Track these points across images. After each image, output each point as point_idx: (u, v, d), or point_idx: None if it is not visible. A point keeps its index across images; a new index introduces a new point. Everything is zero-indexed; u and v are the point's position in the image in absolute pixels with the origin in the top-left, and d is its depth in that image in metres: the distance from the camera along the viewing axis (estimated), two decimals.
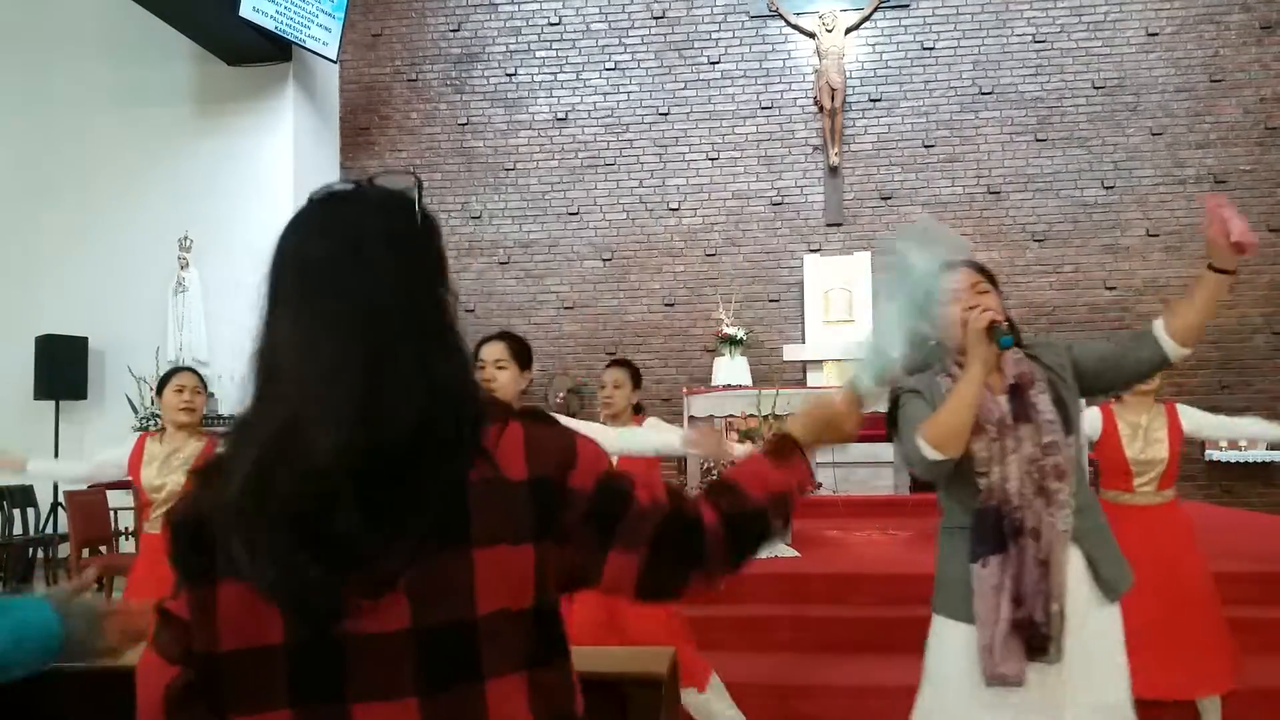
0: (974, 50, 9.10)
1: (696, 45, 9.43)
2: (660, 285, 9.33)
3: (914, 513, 6.86)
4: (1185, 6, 8.86)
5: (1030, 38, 9.03)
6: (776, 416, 5.51)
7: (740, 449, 3.44)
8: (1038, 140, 8.97)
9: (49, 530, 8.01)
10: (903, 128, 9.14)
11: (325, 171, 9.28)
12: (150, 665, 0.92)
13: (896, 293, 1.23)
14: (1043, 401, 2.03)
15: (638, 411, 3.66)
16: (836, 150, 9.10)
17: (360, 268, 0.88)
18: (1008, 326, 2.04)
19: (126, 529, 7.77)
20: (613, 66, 9.50)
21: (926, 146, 9.10)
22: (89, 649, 1.26)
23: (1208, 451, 8.04)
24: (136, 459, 3.65)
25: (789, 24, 9.28)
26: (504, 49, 9.63)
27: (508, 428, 0.90)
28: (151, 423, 7.62)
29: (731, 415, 6.03)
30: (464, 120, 9.62)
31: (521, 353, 2.77)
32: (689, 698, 3.29)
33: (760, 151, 9.31)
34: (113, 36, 8.77)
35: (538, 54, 9.59)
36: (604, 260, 9.39)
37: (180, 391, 3.64)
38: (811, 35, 9.18)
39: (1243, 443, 8.11)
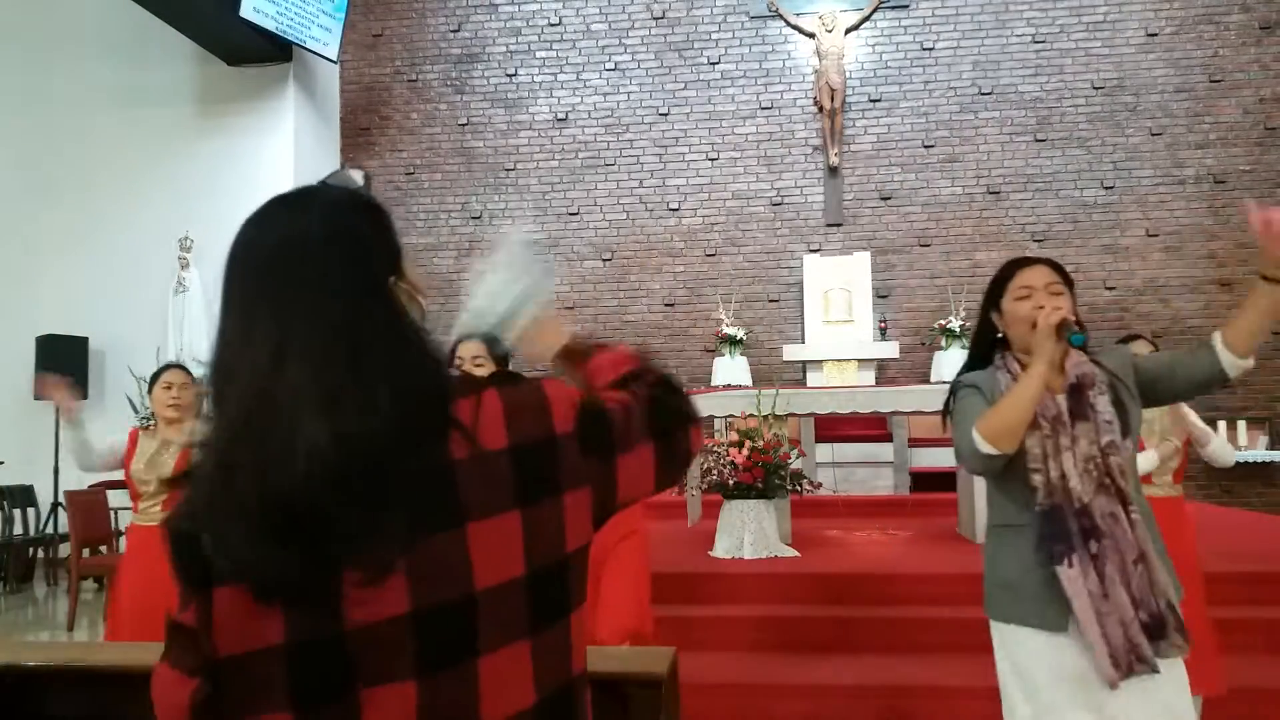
0: (973, 51, 9.11)
1: (696, 46, 9.44)
2: (660, 285, 9.34)
3: (914, 513, 6.86)
4: (1184, 7, 8.86)
5: (1030, 38, 9.04)
6: (776, 416, 5.50)
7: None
8: (1037, 140, 8.98)
9: (49, 530, 8.01)
10: (902, 128, 9.15)
11: (325, 172, 9.25)
12: (167, 680, 0.90)
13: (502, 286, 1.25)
14: (1101, 402, 2.01)
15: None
16: (836, 150, 9.10)
17: (305, 266, 0.89)
18: (1078, 327, 2.02)
19: (126, 529, 7.78)
20: (613, 67, 9.51)
21: (926, 147, 9.10)
22: None
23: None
24: (129, 452, 3.74)
25: (789, 24, 9.28)
26: (504, 49, 9.63)
27: (484, 399, 0.91)
28: (152, 422, 7.62)
29: (731, 415, 6.02)
30: (464, 120, 9.63)
31: (498, 353, 2.76)
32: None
33: (760, 152, 9.32)
34: (113, 36, 8.78)
35: (538, 54, 9.60)
36: (604, 260, 9.40)
37: (169, 388, 3.73)
38: (811, 35, 9.19)
39: (1242, 442, 8.12)
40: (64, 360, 8.26)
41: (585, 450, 0.94)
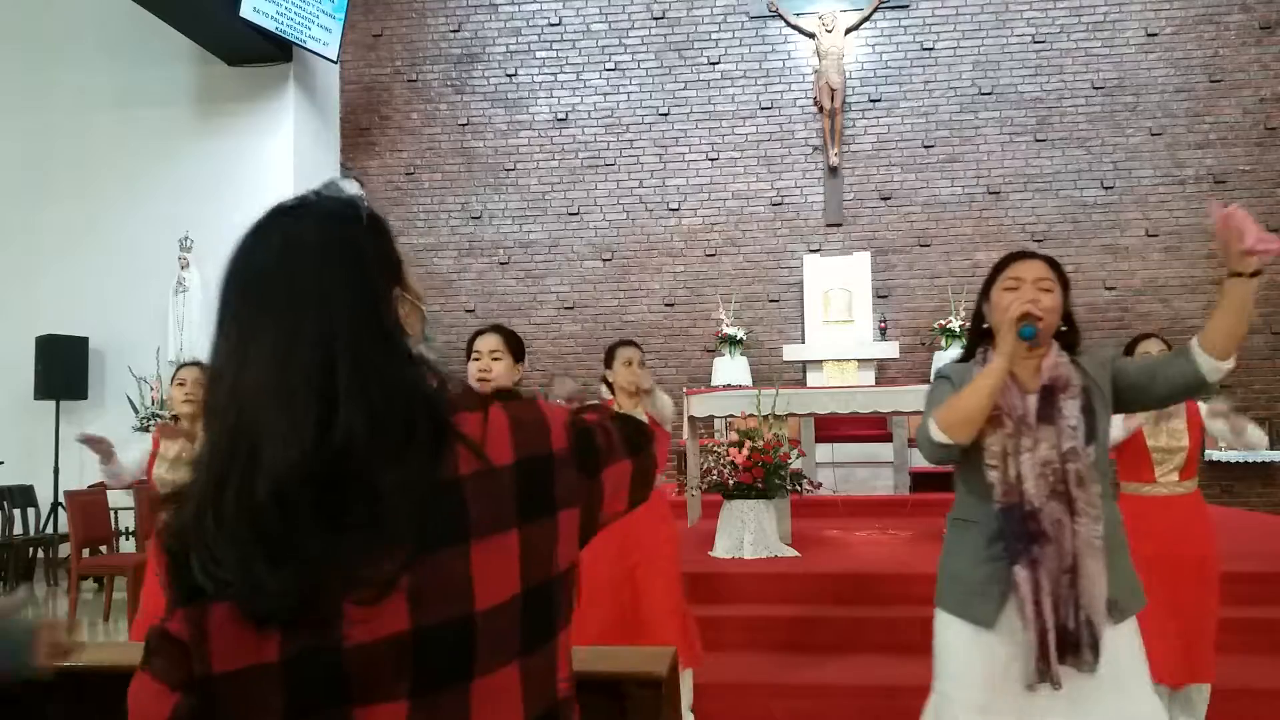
0: (973, 51, 9.11)
1: (696, 46, 9.44)
2: (660, 285, 9.34)
3: (914, 513, 6.86)
4: (1184, 7, 8.86)
5: (1030, 38, 9.04)
6: (776, 417, 5.51)
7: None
8: (1037, 140, 8.98)
9: (49, 530, 8.01)
10: (902, 128, 9.15)
11: (326, 172, 9.28)
12: (148, 692, 0.88)
13: None
14: (1070, 407, 1.99)
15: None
16: (836, 150, 9.10)
17: (302, 278, 0.88)
18: (1066, 329, 2.01)
19: (126, 529, 7.78)
20: (613, 67, 9.51)
21: (926, 147, 9.10)
22: (20, 670, 1.28)
23: (1207, 451, 8.05)
24: (152, 457, 3.74)
25: (789, 24, 9.28)
26: (504, 49, 9.63)
27: (490, 413, 0.91)
28: (151, 422, 7.62)
29: (731, 415, 6.03)
30: (464, 120, 9.63)
31: (516, 345, 2.83)
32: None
33: (760, 152, 9.32)
34: (113, 37, 8.78)
35: (538, 54, 9.60)
36: (604, 260, 9.40)
37: (182, 385, 3.72)
38: (811, 36, 9.19)
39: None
40: (64, 360, 8.27)
41: (579, 468, 0.95)
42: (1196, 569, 3.31)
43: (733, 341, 8.80)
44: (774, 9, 9.29)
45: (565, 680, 0.94)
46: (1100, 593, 1.92)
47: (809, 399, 6.15)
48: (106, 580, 6.65)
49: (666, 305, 9.31)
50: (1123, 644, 1.98)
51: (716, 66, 9.41)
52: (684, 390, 6.51)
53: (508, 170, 9.55)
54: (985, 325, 2.15)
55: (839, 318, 8.77)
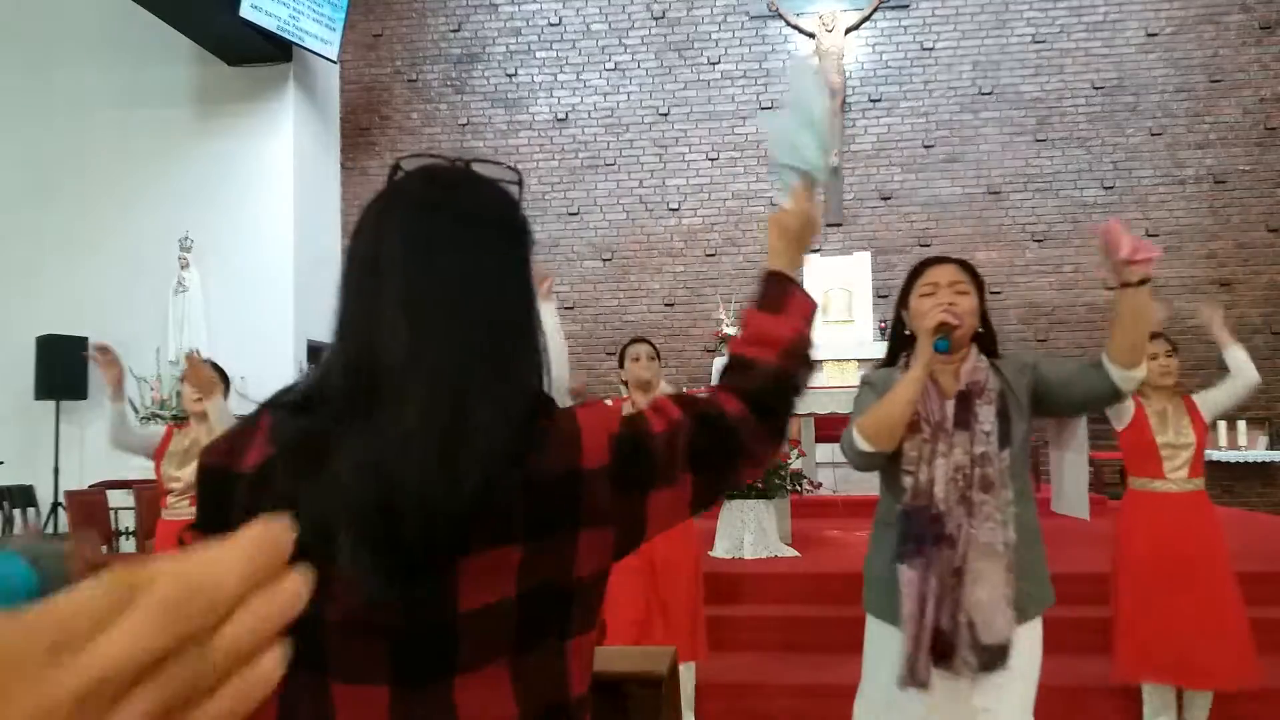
0: (974, 51, 9.11)
1: (696, 45, 9.44)
2: (660, 285, 9.34)
3: None
4: (1184, 7, 8.86)
5: (1030, 38, 9.04)
6: None
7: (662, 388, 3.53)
8: (1037, 140, 8.98)
9: (49, 530, 8.00)
10: (902, 128, 9.15)
11: (325, 172, 9.29)
12: None
13: (797, 109, 1.26)
14: (985, 412, 2.00)
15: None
16: (836, 150, 9.10)
17: (486, 251, 0.87)
18: (983, 331, 2.02)
19: (127, 529, 7.77)
20: (613, 67, 9.51)
21: (926, 147, 9.10)
22: (56, 586, 1.33)
23: (1207, 451, 8.04)
24: (161, 450, 3.75)
25: (789, 24, 9.28)
26: (504, 49, 9.63)
27: None
28: (151, 423, 7.62)
29: None
30: (464, 121, 9.63)
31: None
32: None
33: (760, 152, 9.31)
34: (113, 37, 8.78)
35: (538, 54, 9.60)
36: (604, 260, 9.40)
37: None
38: (811, 35, 9.19)
39: (1242, 442, 8.12)
40: (64, 360, 8.27)
41: (618, 486, 0.88)
42: (1208, 567, 3.33)
43: None
44: (774, 9, 9.28)
45: (581, 684, 0.90)
46: (989, 597, 1.92)
47: (809, 399, 6.14)
48: None
49: (666, 305, 9.31)
50: (1023, 645, 1.99)
51: (717, 66, 9.41)
52: (684, 390, 6.51)
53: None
54: (907, 331, 2.17)
55: (839, 318, 8.77)
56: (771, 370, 1.01)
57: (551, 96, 9.56)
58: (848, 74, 9.16)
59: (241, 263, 8.47)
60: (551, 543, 0.85)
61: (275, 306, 8.37)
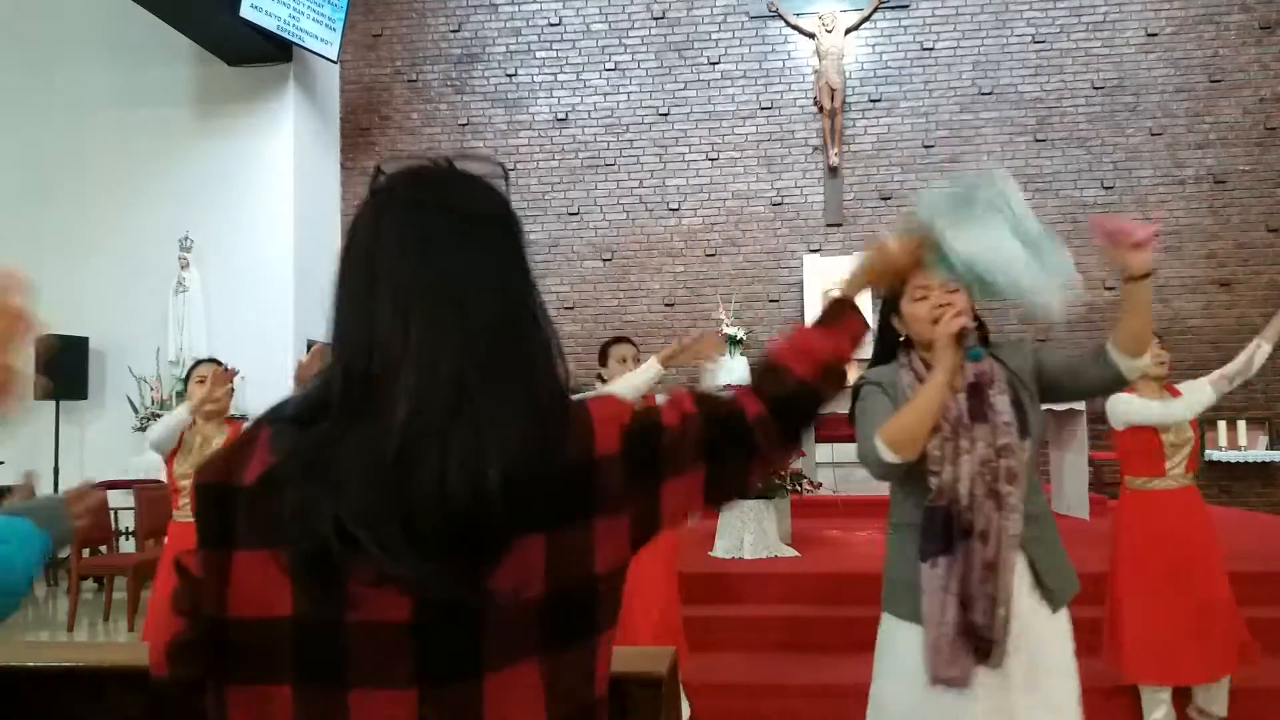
0: (973, 51, 9.11)
1: (696, 46, 9.44)
2: (660, 285, 9.33)
3: None
4: (1184, 7, 8.86)
5: (1030, 38, 9.04)
6: None
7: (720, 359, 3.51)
8: (1037, 140, 8.98)
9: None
10: (902, 128, 9.15)
11: (325, 172, 9.29)
12: (162, 617, 0.92)
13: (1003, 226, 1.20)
14: (1001, 402, 2.00)
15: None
16: (836, 151, 9.10)
17: (482, 244, 0.86)
18: (977, 332, 2.01)
19: (126, 529, 7.78)
20: (613, 67, 9.51)
21: (926, 147, 9.10)
22: (65, 534, 1.36)
23: (1207, 451, 8.05)
24: (175, 449, 3.73)
25: (789, 24, 9.28)
26: (504, 49, 9.63)
27: None
28: (151, 423, 7.62)
29: None
30: (464, 121, 9.63)
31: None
32: None
33: (760, 152, 9.32)
34: (113, 37, 8.77)
35: (538, 54, 9.59)
36: (604, 260, 9.40)
37: (201, 382, 3.72)
38: (811, 35, 9.18)
39: (1242, 442, 8.12)
40: (64, 360, 8.26)
41: (631, 474, 0.88)
42: (1205, 560, 3.36)
43: (733, 341, 8.79)
44: (774, 9, 9.28)
45: (603, 684, 0.91)
46: (1010, 585, 1.93)
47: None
48: (106, 580, 6.65)
49: (666, 305, 9.31)
50: (1056, 631, 2.00)
51: (716, 66, 9.41)
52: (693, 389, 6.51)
53: (508, 170, 9.52)
54: (902, 338, 2.15)
55: None
56: (803, 381, 1.04)
57: (551, 96, 9.56)
58: (848, 74, 9.16)
59: (241, 262, 8.47)
60: (571, 531, 0.85)
61: (275, 306, 8.37)
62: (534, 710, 0.83)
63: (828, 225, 9.20)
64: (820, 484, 5.65)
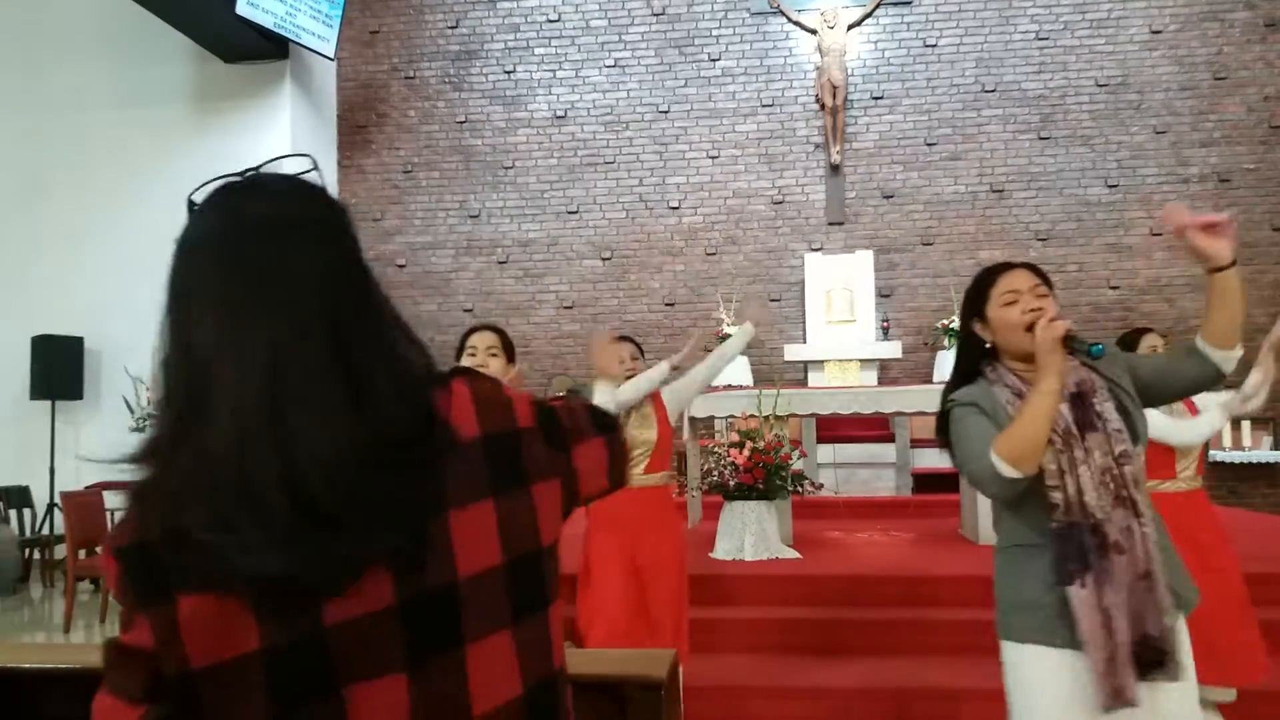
0: (977, 47, 9.06)
1: (697, 42, 9.39)
2: (660, 284, 9.29)
3: (916, 514, 6.81)
4: (1189, 4, 8.81)
5: (1033, 35, 8.99)
6: (778, 417, 5.45)
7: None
8: (1041, 138, 8.93)
9: (45, 531, 7.96)
10: (905, 125, 9.10)
11: (322, 169, 9.23)
12: (108, 710, 0.86)
13: None
14: (1108, 410, 1.94)
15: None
16: (838, 148, 9.05)
17: (294, 258, 0.86)
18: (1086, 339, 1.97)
19: None
20: (612, 64, 9.46)
21: (929, 144, 9.05)
22: (15, 571, 1.29)
23: (1211, 451, 8.00)
24: None
25: (790, 21, 9.23)
26: (503, 46, 9.58)
27: (454, 388, 0.92)
28: (148, 423, 7.58)
29: (732, 415, 5.97)
30: (462, 118, 9.58)
31: (509, 345, 2.84)
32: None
33: (761, 150, 9.27)
34: (110, 35, 8.74)
35: (537, 51, 9.55)
36: (604, 259, 9.35)
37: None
38: (813, 32, 9.14)
39: (1246, 443, 8.08)
40: (60, 360, 8.22)
41: (547, 441, 0.96)
42: (1218, 561, 3.34)
43: None
44: (775, 5, 9.23)
45: (559, 652, 0.95)
46: (1170, 598, 1.89)
47: (810, 399, 6.11)
48: (103, 582, 6.60)
49: (666, 305, 9.26)
50: (1185, 639, 1.96)
51: (717, 63, 9.36)
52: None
53: (506, 168, 9.50)
54: (988, 345, 2.07)
55: (841, 317, 8.72)
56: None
57: (550, 94, 9.51)
58: (850, 71, 9.11)
59: None
60: (516, 495, 0.91)
61: None
62: (511, 677, 0.88)
63: (829, 224, 9.15)
64: (822, 485, 5.59)
